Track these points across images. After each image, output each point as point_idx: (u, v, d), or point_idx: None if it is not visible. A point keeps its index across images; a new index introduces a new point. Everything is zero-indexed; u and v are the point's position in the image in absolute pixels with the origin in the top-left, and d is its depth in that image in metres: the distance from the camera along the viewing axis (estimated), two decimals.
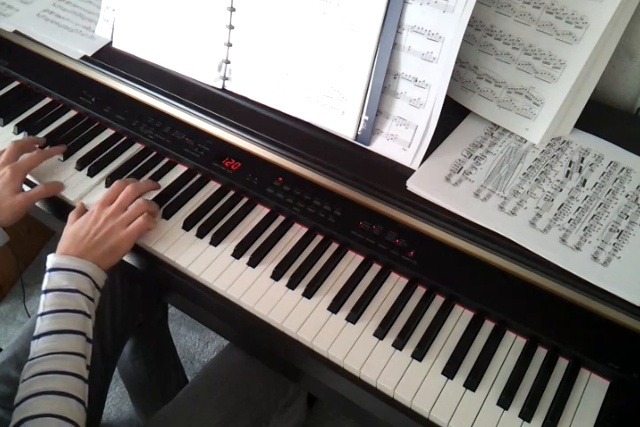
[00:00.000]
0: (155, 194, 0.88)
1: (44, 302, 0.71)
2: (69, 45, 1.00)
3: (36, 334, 0.70)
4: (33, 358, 0.68)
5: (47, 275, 0.73)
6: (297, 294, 0.77)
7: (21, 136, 0.98)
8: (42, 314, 0.70)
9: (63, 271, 0.73)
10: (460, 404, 0.67)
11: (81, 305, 0.72)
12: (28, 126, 0.98)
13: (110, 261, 0.78)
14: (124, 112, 0.96)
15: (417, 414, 0.68)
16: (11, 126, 0.99)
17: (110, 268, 0.78)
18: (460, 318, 0.75)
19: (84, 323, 0.71)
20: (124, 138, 0.96)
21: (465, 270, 0.75)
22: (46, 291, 0.72)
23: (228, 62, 0.88)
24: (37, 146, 0.94)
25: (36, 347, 0.68)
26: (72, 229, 0.78)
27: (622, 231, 0.72)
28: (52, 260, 0.74)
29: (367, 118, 0.80)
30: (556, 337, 0.70)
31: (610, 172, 0.79)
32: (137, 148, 0.95)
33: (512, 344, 0.72)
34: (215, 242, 0.82)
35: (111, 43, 0.99)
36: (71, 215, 0.82)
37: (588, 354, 0.69)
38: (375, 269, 0.79)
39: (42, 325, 0.70)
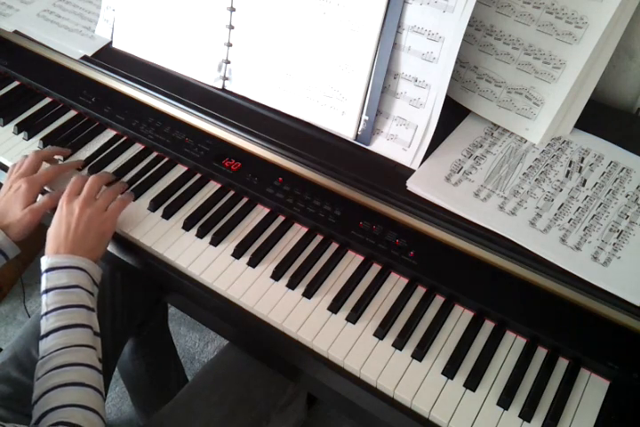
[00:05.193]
0: (155, 194, 0.88)
1: (46, 301, 0.71)
2: (69, 45, 1.00)
3: (43, 333, 0.70)
4: (44, 356, 0.68)
5: (44, 275, 0.73)
6: (297, 294, 0.77)
7: (21, 136, 0.98)
8: (46, 313, 0.70)
9: (60, 270, 0.73)
10: (460, 404, 0.67)
11: (84, 300, 0.72)
12: (28, 126, 0.98)
13: (100, 250, 0.79)
14: (124, 112, 0.96)
15: (417, 414, 0.68)
16: (11, 126, 0.99)
17: (101, 258, 0.79)
18: (460, 318, 0.75)
19: (89, 316, 0.72)
20: (125, 138, 0.96)
21: (465, 270, 0.75)
22: (46, 290, 0.72)
23: (228, 62, 0.88)
24: (61, 157, 0.93)
25: (46, 345, 0.68)
26: (51, 229, 0.78)
27: (622, 231, 0.72)
28: (46, 261, 0.74)
29: (367, 118, 0.80)
30: (556, 337, 0.70)
31: (610, 172, 0.79)
32: (137, 148, 0.95)
33: (512, 344, 0.72)
34: (215, 242, 0.82)
35: (111, 43, 0.99)
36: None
37: (587, 354, 0.69)
38: (375, 269, 0.79)
39: (47, 324, 0.70)
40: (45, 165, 0.89)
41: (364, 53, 0.76)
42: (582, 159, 0.80)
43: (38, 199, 0.84)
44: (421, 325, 0.74)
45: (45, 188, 0.90)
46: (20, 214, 0.80)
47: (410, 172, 0.78)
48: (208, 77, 0.91)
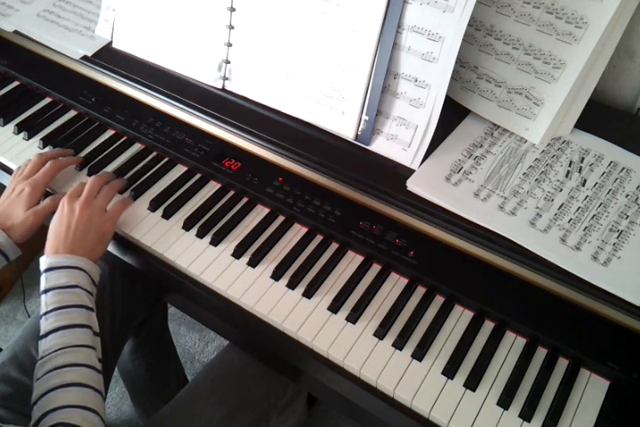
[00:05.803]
0: (155, 194, 0.88)
1: (46, 301, 0.71)
2: (69, 45, 1.00)
3: (42, 333, 0.69)
4: (44, 357, 0.68)
5: (44, 275, 0.73)
6: (297, 294, 0.77)
7: (21, 136, 0.98)
8: (45, 313, 0.70)
9: (60, 269, 0.73)
10: (460, 404, 0.67)
11: (83, 300, 0.72)
12: (28, 126, 0.98)
13: (100, 250, 0.79)
14: (123, 112, 0.96)
15: (417, 414, 0.68)
16: (11, 126, 0.99)
17: (100, 258, 0.79)
18: (460, 318, 0.75)
19: (89, 316, 0.72)
20: (124, 138, 0.96)
21: (465, 270, 0.75)
22: (46, 290, 0.72)
23: (228, 62, 0.88)
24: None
25: (45, 345, 0.68)
26: (51, 229, 0.78)
27: (622, 231, 0.72)
28: (45, 261, 0.74)
29: (367, 118, 0.80)
30: (556, 337, 0.70)
31: (610, 172, 0.79)
32: (137, 148, 0.95)
33: (512, 344, 0.72)
34: (215, 242, 0.82)
35: (111, 43, 0.99)
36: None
37: (587, 354, 0.69)
38: (375, 269, 0.79)
39: (47, 324, 0.70)
40: None
41: (364, 53, 0.76)
42: (582, 159, 0.80)
43: (41, 202, 0.84)
44: (421, 325, 0.74)
45: (48, 190, 0.90)
46: (22, 216, 0.81)
47: (410, 172, 0.78)
48: (208, 77, 0.91)
